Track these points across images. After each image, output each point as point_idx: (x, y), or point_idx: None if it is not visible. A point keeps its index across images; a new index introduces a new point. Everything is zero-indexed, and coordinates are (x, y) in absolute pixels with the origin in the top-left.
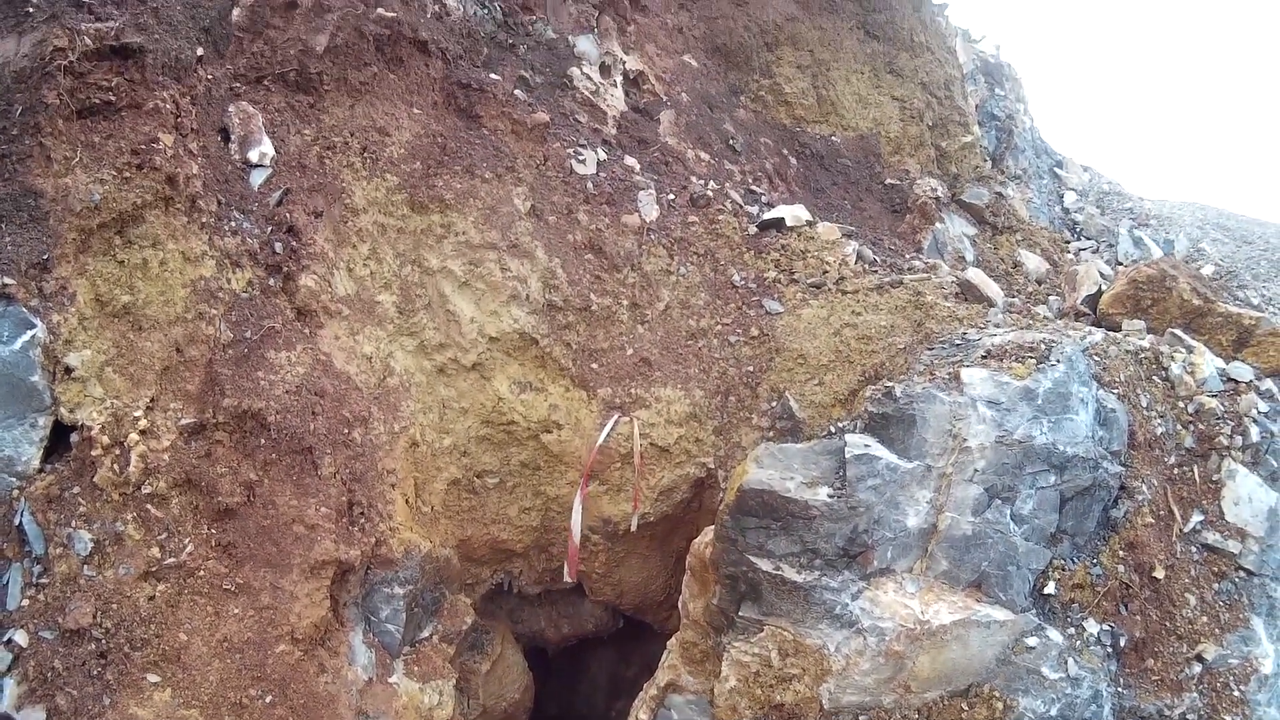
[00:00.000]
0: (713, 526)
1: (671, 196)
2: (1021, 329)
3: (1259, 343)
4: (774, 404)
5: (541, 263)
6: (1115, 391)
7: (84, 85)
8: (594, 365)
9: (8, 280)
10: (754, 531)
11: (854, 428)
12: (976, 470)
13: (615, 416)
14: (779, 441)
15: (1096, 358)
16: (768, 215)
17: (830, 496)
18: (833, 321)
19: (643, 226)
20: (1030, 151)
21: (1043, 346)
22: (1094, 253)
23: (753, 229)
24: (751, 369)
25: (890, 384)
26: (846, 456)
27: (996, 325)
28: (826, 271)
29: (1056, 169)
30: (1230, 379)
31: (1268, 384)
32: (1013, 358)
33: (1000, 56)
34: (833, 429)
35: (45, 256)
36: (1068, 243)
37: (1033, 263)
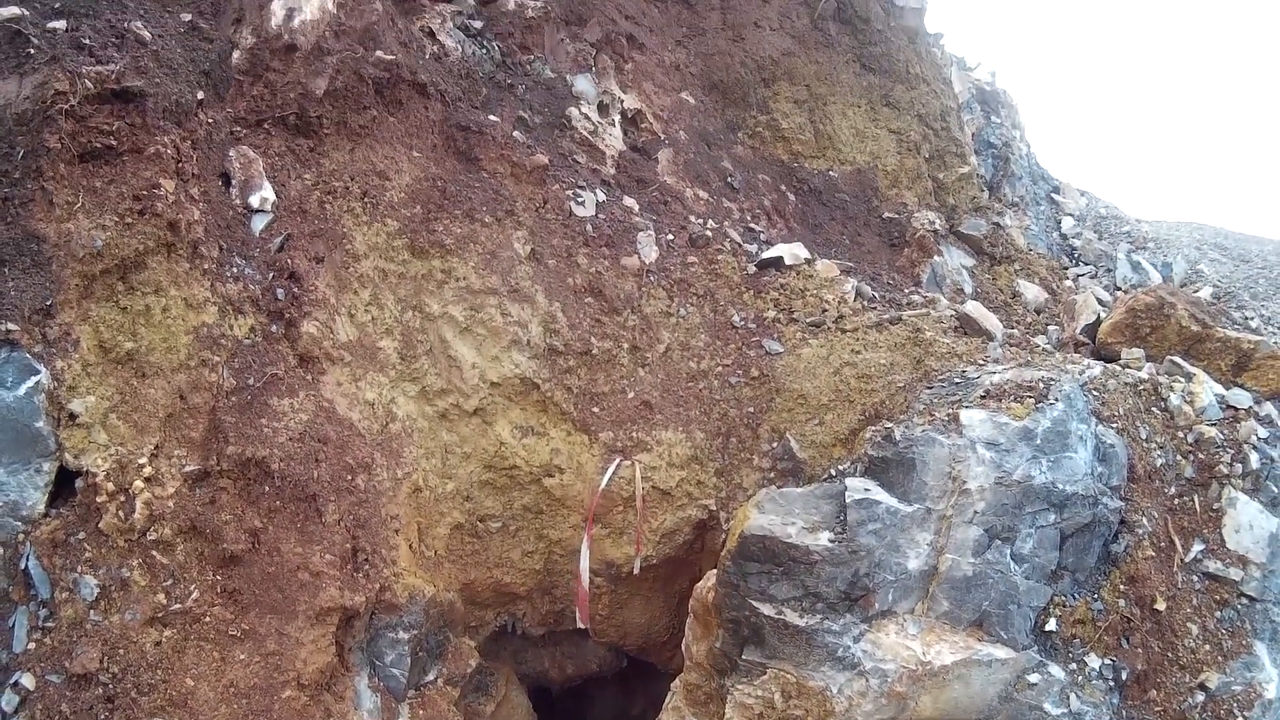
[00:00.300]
0: (715, 570)
1: (670, 237)
2: (1020, 365)
3: (1258, 366)
4: (775, 445)
5: (542, 307)
6: (1114, 426)
7: (85, 129)
8: (595, 409)
9: (11, 326)
10: (756, 576)
11: (854, 471)
12: (976, 512)
13: (617, 460)
14: (780, 482)
15: (1095, 393)
16: (766, 254)
17: (831, 541)
18: (832, 360)
19: (642, 268)
20: (1027, 178)
21: (1041, 385)
22: (1092, 278)
23: (752, 268)
24: (752, 410)
25: (890, 426)
26: (847, 501)
27: (995, 361)
28: (825, 310)
29: (1054, 195)
30: (1229, 406)
31: (1267, 409)
32: (1011, 397)
33: (996, 83)
34: (833, 471)
35: (48, 302)
36: (1066, 269)
37: (1031, 292)
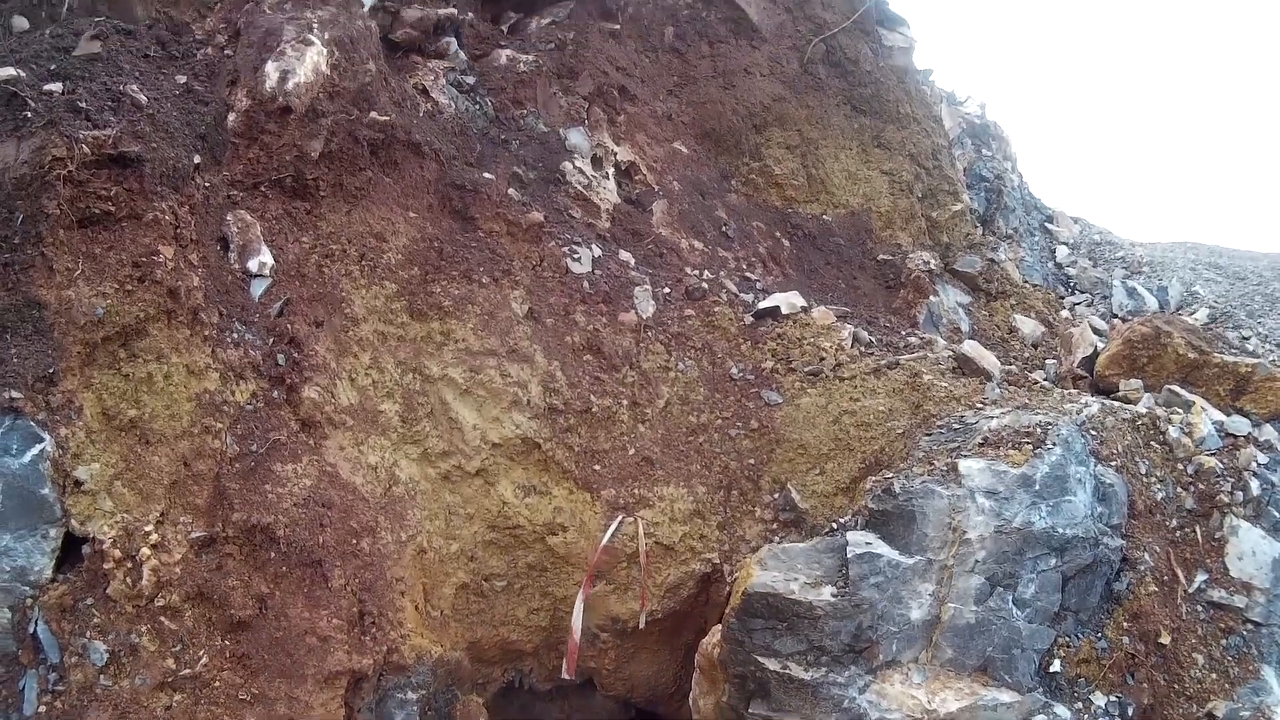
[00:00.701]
0: (719, 626)
1: (667, 290)
2: (1018, 408)
3: (1256, 389)
4: (776, 495)
5: (541, 367)
6: (1113, 464)
7: (84, 194)
8: (597, 467)
9: (15, 394)
10: (760, 632)
11: (855, 524)
12: (977, 561)
13: (620, 517)
14: (782, 533)
15: (1093, 432)
16: (763, 304)
17: (834, 596)
18: (831, 409)
19: (640, 324)
20: (1020, 210)
21: (1038, 430)
22: (1089, 306)
23: (749, 318)
24: (753, 462)
25: (890, 477)
26: (848, 555)
27: (994, 402)
28: (823, 358)
29: (1047, 224)
30: (1228, 434)
31: (1267, 434)
32: (1009, 444)
33: (986, 116)
34: (835, 525)
35: (51, 370)
36: (1062, 298)
37: (1028, 327)
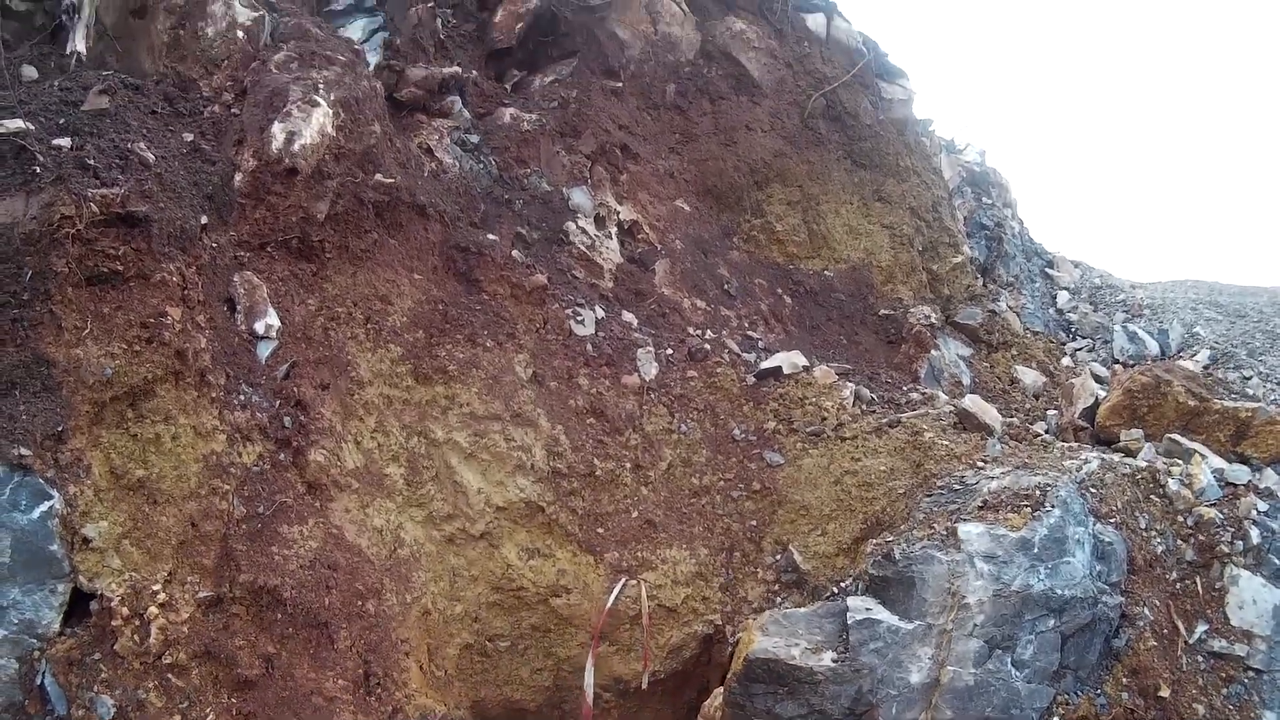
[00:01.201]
0: (721, 689)
1: (670, 351)
2: (1018, 467)
3: (1257, 433)
4: (778, 557)
5: (545, 431)
6: (1112, 521)
7: (92, 253)
8: (600, 530)
9: (24, 451)
10: (762, 697)
11: (855, 589)
12: (976, 625)
13: (623, 580)
14: (785, 594)
15: (1093, 490)
16: (765, 365)
17: (834, 661)
18: (833, 470)
19: (643, 386)
20: (1020, 256)
21: (1037, 493)
22: (1090, 351)
23: (751, 379)
24: (755, 523)
25: (890, 541)
26: (849, 621)
27: (995, 460)
28: (825, 418)
29: (1048, 269)
30: (1228, 483)
31: (1268, 481)
32: (1008, 507)
33: (985, 163)
34: (836, 588)
35: (59, 428)
36: (1064, 345)
37: (1029, 378)
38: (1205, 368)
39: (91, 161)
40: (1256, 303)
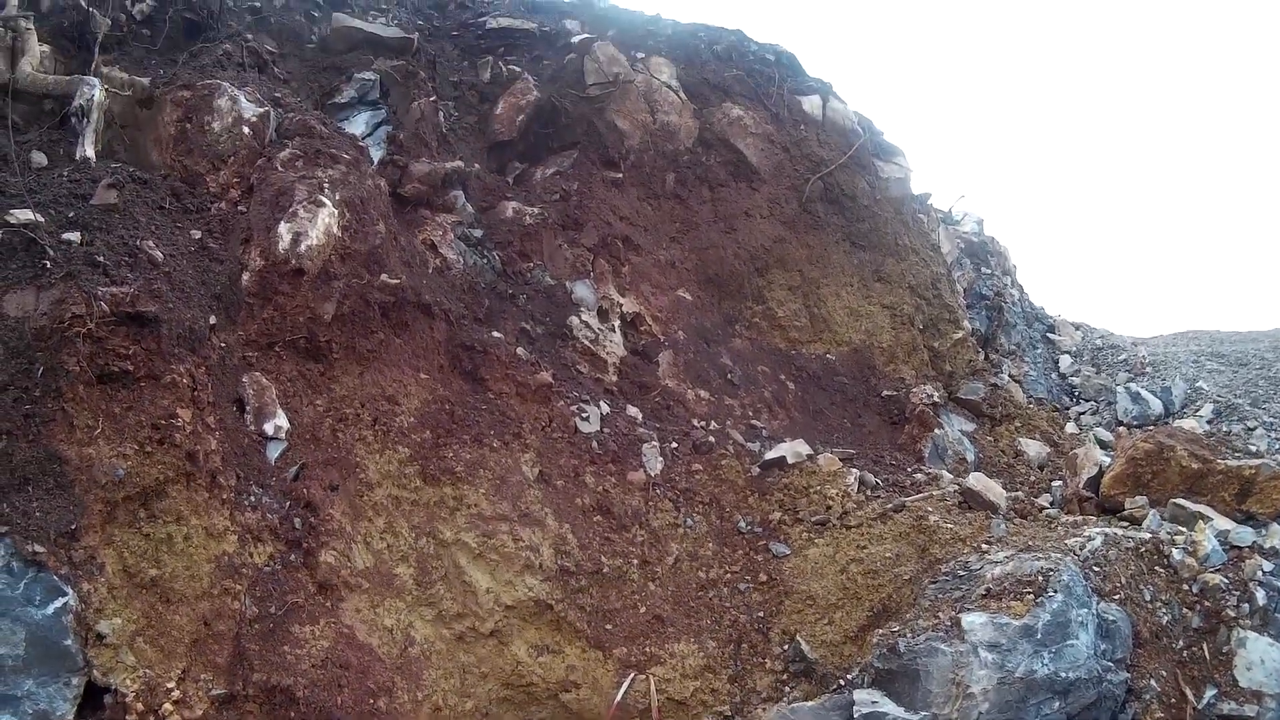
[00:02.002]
0: None
1: (674, 445)
2: (1021, 550)
3: (1261, 489)
4: (786, 647)
5: (552, 530)
6: (1116, 598)
7: (102, 351)
8: (608, 626)
9: (38, 548)
10: None
11: (862, 681)
12: (981, 713)
13: (631, 675)
14: (793, 684)
15: (1097, 568)
16: (769, 455)
17: None
18: (839, 559)
19: (648, 482)
20: (1021, 323)
21: (1040, 579)
22: (1094, 414)
23: (755, 470)
24: (762, 614)
25: (896, 630)
26: (855, 714)
27: (999, 540)
28: (830, 506)
29: (1049, 334)
30: (1233, 546)
31: (1272, 540)
32: (1011, 595)
33: (983, 231)
34: (842, 680)
35: (73, 525)
36: (1067, 409)
37: (1033, 449)
38: (1209, 422)
39: (101, 258)
40: (1258, 349)
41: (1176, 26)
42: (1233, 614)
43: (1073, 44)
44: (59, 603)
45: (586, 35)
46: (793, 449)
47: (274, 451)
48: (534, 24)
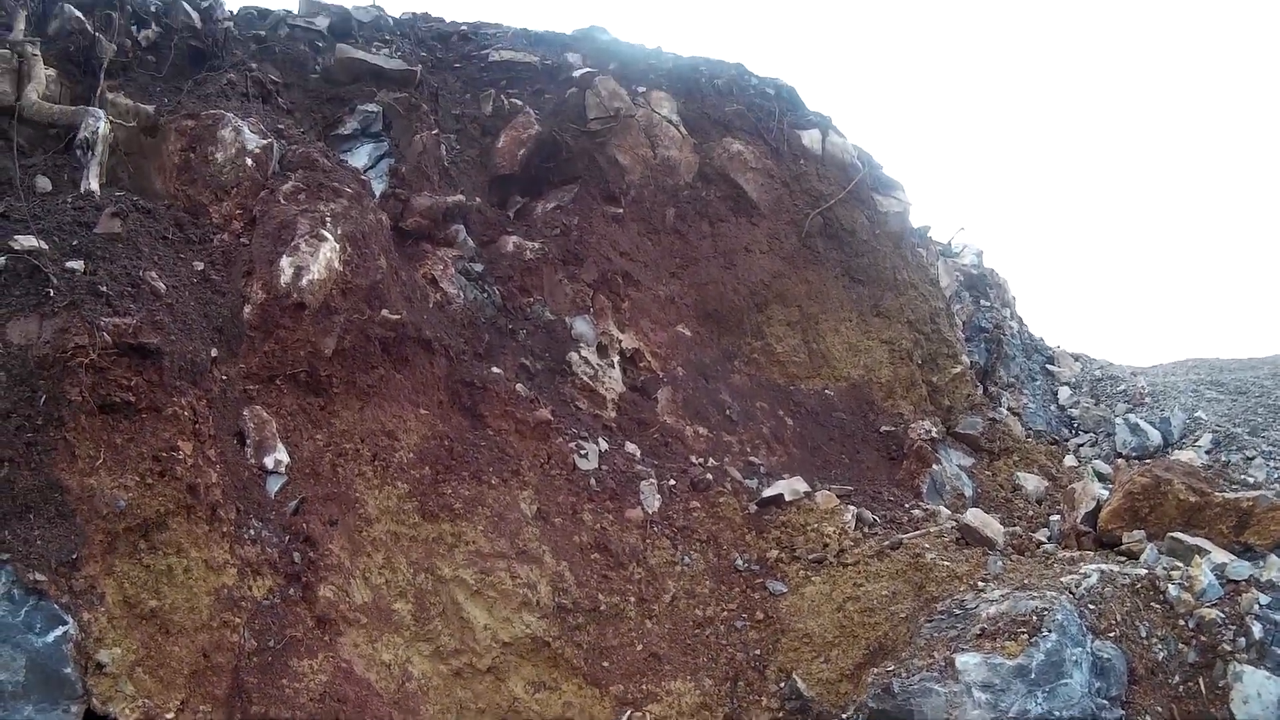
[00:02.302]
0: None
1: (672, 482)
2: (1016, 589)
3: (1259, 521)
4: (782, 685)
5: (550, 567)
6: (1111, 635)
7: (104, 381)
8: (605, 663)
9: (39, 576)
10: None
11: (857, 719)
12: None
13: (628, 712)
14: None
15: (1092, 606)
16: (767, 493)
17: None
18: (835, 596)
19: (646, 519)
20: (1020, 356)
21: (1034, 618)
22: (1093, 446)
23: (753, 507)
24: (759, 652)
25: (891, 670)
26: None
27: (995, 578)
28: (827, 544)
29: (1049, 365)
30: (1229, 580)
31: (1269, 573)
32: (1005, 635)
33: (983, 263)
34: None
35: (74, 555)
36: (1066, 441)
37: (1031, 483)
38: (1208, 452)
39: (104, 288)
40: (1257, 376)
41: (1168, 55)
42: (1229, 648)
43: (1069, 71)
44: (59, 631)
45: (588, 69)
46: (790, 486)
47: (274, 485)
48: (536, 57)
